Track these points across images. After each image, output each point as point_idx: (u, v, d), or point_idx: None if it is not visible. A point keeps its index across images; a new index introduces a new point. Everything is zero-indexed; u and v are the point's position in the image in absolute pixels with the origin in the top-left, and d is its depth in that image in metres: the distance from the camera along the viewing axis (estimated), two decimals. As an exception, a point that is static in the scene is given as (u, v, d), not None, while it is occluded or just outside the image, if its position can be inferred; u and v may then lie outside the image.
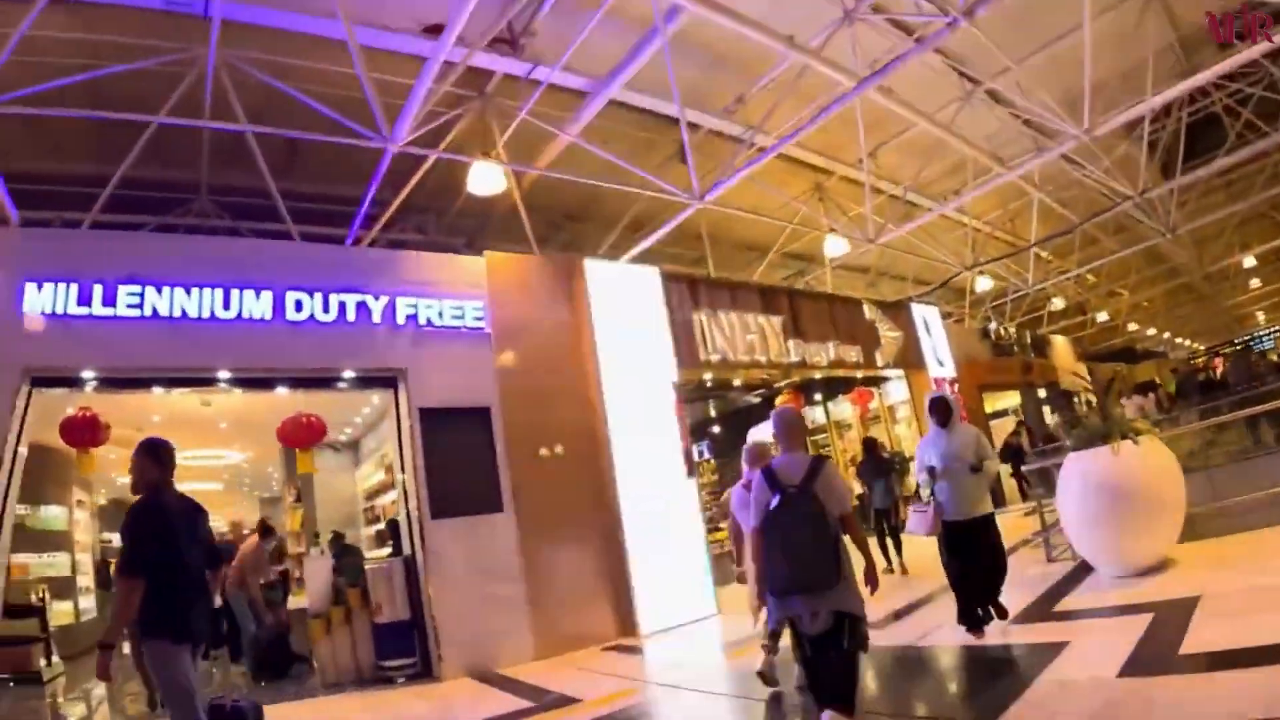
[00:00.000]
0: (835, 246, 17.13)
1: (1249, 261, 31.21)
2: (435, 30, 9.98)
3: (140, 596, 5.47)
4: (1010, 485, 20.55)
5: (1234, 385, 26.22)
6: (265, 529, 13.73)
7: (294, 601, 13.67)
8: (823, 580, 5.39)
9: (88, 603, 16.56)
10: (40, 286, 10.17)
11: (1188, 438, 14.62)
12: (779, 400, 19.42)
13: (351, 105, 10.70)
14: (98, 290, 10.39)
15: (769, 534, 5.61)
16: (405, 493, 11.96)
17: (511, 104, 12.44)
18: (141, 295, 10.57)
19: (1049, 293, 28.76)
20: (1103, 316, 34.33)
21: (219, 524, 18.20)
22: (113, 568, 10.44)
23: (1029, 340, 29.21)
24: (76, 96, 10.14)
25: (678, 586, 12.77)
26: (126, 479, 18.10)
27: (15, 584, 12.69)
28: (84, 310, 10.29)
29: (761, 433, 7.93)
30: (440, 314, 12.25)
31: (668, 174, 13.63)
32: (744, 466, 8.24)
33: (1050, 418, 27.64)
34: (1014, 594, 8.45)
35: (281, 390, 12.09)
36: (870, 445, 15.35)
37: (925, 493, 8.49)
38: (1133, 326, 39.31)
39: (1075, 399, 29.28)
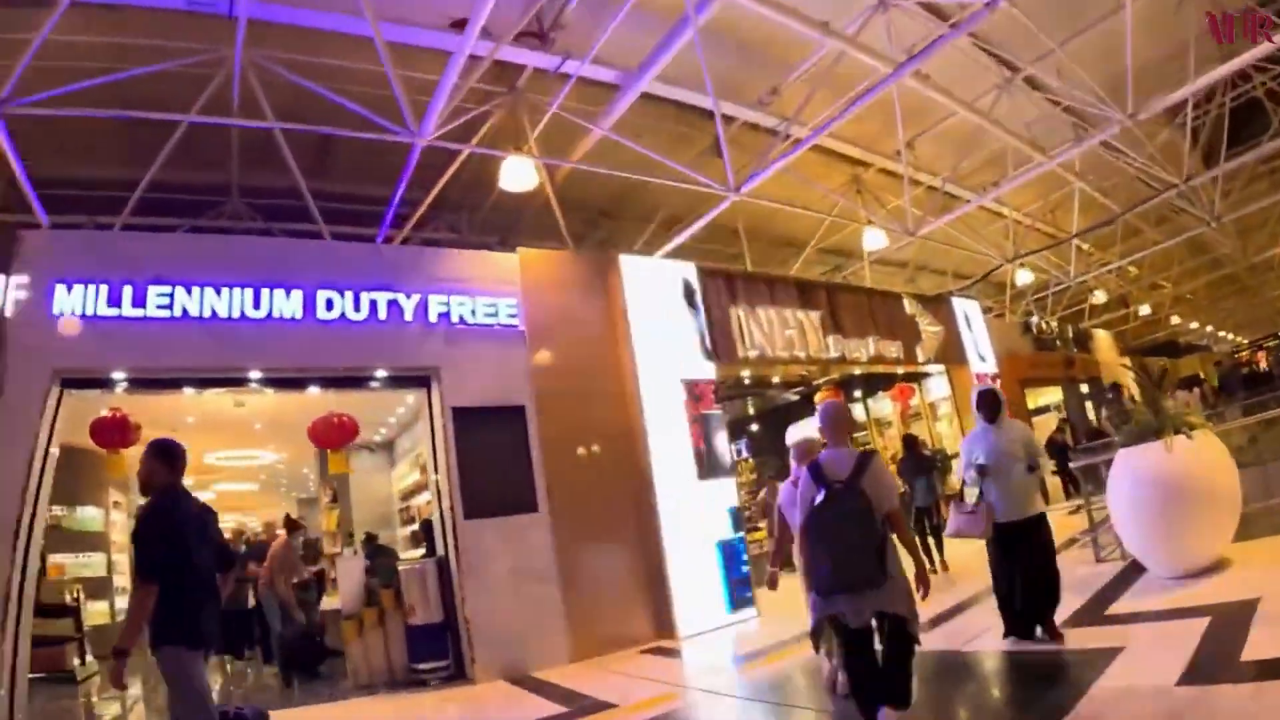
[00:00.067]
0: (874, 239, 16.85)
1: (1293, 252, 30.28)
2: (462, 25, 9.79)
3: (154, 601, 5.35)
4: (1054, 483, 20.01)
5: (1279, 378, 25.67)
6: (291, 524, 13.68)
7: (328, 602, 13.53)
8: (868, 578, 5.25)
9: (123, 602, 16.44)
10: (70, 288, 10.17)
11: (1235, 432, 14.20)
12: (818, 397, 19.00)
13: (380, 103, 10.58)
14: (127, 291, 10.37)
15: (813, 530, 5.50)
16: (439, 493, 11.76)
17: (542, 99, 12.25)
18: (171, 296, 10.53)
19: (1090, 285, 28.18)
20: (1145, 310, 33.53)
21: (255, 524, 18.13)
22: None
23: (1071, 334, 28.67)
24: (104, 101, 10.05)
25: (714, 588, 12.42)
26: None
27: (51, 584, 12.87)
28: (114, 311, 10.27)
29: (800, 430, 7.61)
30: (473, 312, 12.04)
31: (702, 168, 13.31)
32: (792, 463, 7.92)
33: (1094, 413, 27.12)
34: (1063, 596, 8.00)
35: (313, 390, 11.90)
36: (911, 442, 15.04)
37: (973, 492, 8.07)
38: (1175, 320, 38.63)
39: (1122, 393, 28.62)
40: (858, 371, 18.55)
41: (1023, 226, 21.76)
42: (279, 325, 10.96)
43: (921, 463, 14.31)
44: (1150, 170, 17.84)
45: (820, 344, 16.11)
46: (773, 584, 7.61)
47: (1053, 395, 26.82)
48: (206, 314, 10.64)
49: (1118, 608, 8.50)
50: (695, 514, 12.57)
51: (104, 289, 10.28)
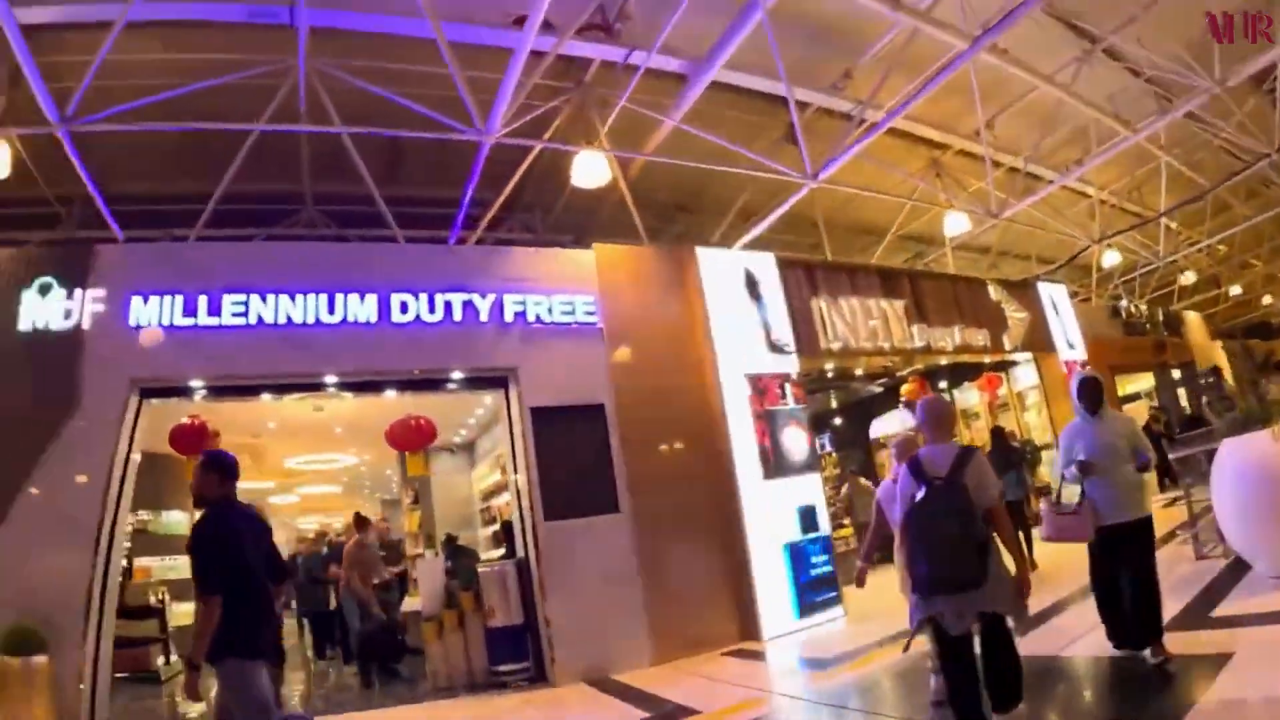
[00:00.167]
0: (955, 224, 16.29)
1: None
2: (524, 21, 9.62)
3: (220, 613, 5.33)
4: (1149, 475, 18.82)
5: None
6: (360, 521, 13.58)
7: (409, 604, 13.42)
8: (970, 578, 5.05)
9: None
10: (145, 300, 10.36)
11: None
12: (904, 389, 18.51)
13: (447, 104, 10.46)
14: (202, 301, 10.54)
15: (913, 528, 5.36)
16: (518, 494, 11.59)
17: (611, 93, 12.00)
18: (246, 304, 10.68)
19: (1180, 266, 26.93)
20: (1236, 290, 32.25)
21: (339, 526, 18.21)
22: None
23: (1161, 317, 27.65)
24: (172, 117, 10.19)
25: (782, 592, 11.88)
26: (247, 484, 18.39)
27: (137, 586, 13.19)
28: (189, 321, 10.46)
29: (884, 425, 7.30)
30: (549, 310, 11.80)
31: (776, 157, 12.95)
32: (892, 460, 7.57)
33: (1187, 400, 26.13)
34: (1164, 598, 7.19)
35: (391, 393, 11.86)
36: (999, 434, 14.56)
37: (1072, 491, 7.31)
38: (1267, 300, 37.20)
39: (1222, 378, 27.46)
40: (943, 361, 17.94)
41: (1108, 206, 20.88)
42: (354, 330, 10.93)
43: (1010, 455, 13.62)
44: (1239, 141, 17.02)
45: (905, 334, 15.50)
46: (860, 581, 7.39)
47: (1143, 382, 25.94)
48: (281, 320, 10.74)
49: (1224, 610, 7.98)
50: (761, 515, 12.00)
51: (179, 299, 10.47)
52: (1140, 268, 25.41)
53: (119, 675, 10.76)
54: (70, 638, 9.21)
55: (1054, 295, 20.14)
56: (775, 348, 13.11)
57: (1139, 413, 22.51)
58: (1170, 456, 13.52)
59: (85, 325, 10.19)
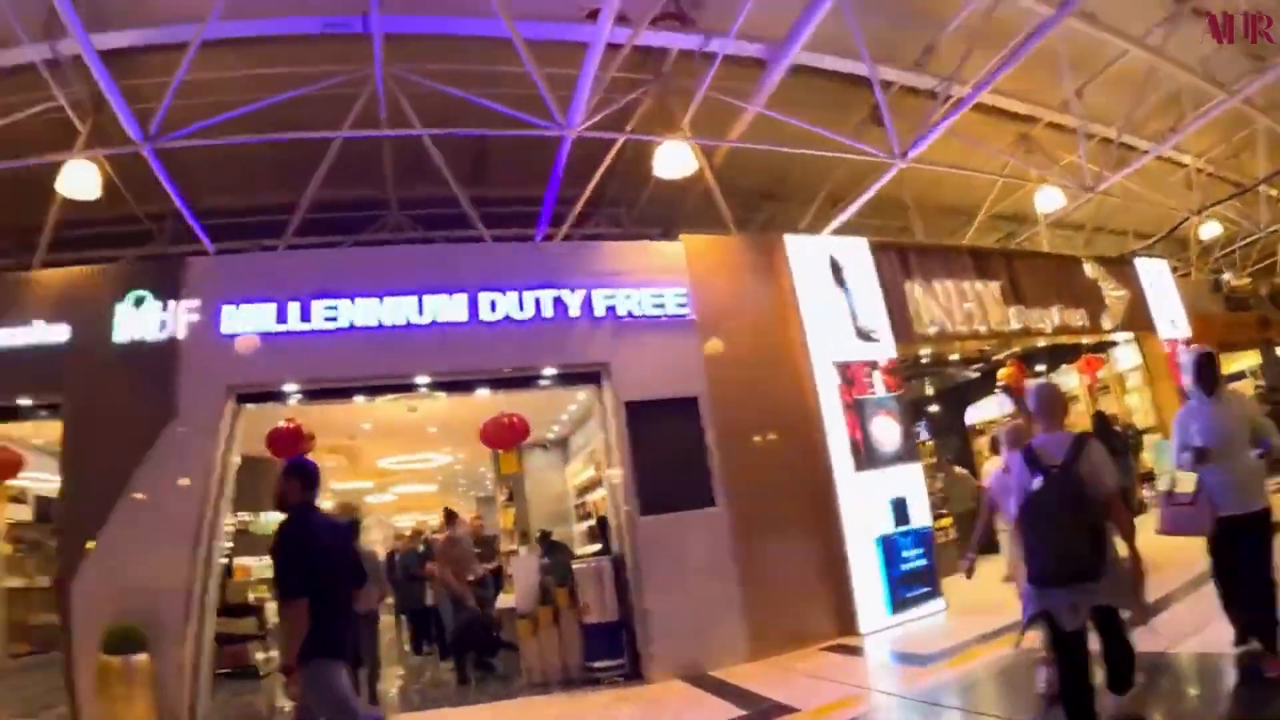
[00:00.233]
0: (1049, 200, 15.76)
1: None
2: (598, 15, 9.56)
3: (306, 614, 5.46)
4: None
5: None
6: (449, 515, 13.60)
7: (504, 600, 13.40)
8: (1087, 570, 4.86)
9: None
10: (238, 308, 10.69)
11: None
12: (1001, 374, 17.92)
13: (526, 102, 10.50)
14: (293, 308, 10.80)
15: (1029, 519, 5.16)
16: (613, 489, 11.50)
17: (690, 82, 11.83)
18: (337, 309, 10.90)
19: (1281, 235, 25.96)
20: (1340, 260, 30.82)
21: (434, 523, 18.35)
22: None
23: (1265, 291, 26.52)
24: (254, 131, 10.54)
25: (875, 587, 11.49)
26: (343, 484, 18.71)
27: (237, 585, 13.44)
28: (281, 327, 10.73)
29: (981, 411, 7.10)
30: (640, 304, 11.60)
31: (862, 139, 12.67)
32: (1002, 449, 7.47)
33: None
34: None
35: (483, 392, 11.86)
36: (1101, 419, 14.08)
37: (1187, 480, 6.70)
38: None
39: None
40: (1041, 344, 17.38)
41: (1205, 174, 19.85)
42: (444, 330, 10.98)
43: (1114, 441, 12.92)
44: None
45: (1002, 316, 14.86)
46: (969, 572, 7.13)
47: (1248, 360, 24.94)
48: (372, 323, 10.90)
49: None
50: (852, 508, 11.61)
51: (271, 307, 10.77)
52: (1241, 239, 24.37)
53: (220, 671, 11.16)
54: (172, 635, 9.62)
55: (1153, 271, 19.33)
56: (862, 335, 12.68)
57: (1245, 393, 21.63)
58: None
59: (180, 335, 10.59)
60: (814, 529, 11.48)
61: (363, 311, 10.90)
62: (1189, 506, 6.56)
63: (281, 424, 11.86)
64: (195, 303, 10.70)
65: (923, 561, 11.83)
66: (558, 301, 11.34)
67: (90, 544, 9.99)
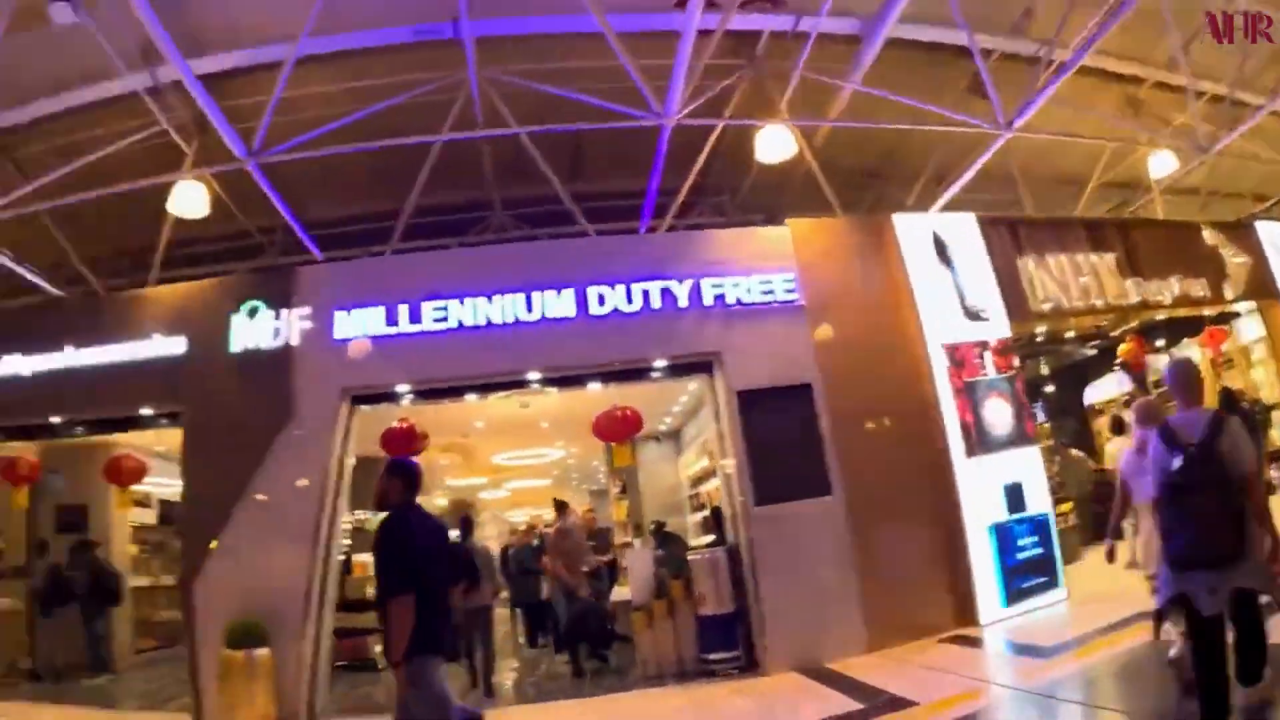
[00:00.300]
0: (1162, 164, 14.78)
1: None
2: (687, 3, 9.50)
3: (412, 610, 5.57)
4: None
5: None
6: (560, 505, 13.62)
7: (619, 593, 13.41)
8: (1228, 552, 4.73)
9: None
10: (349, 313, 11.09)
11: None
12: (1121, 350, 17.28)
13: (621, 96, 10.46)
14: (403, 310, 11.13)
15: (1168, 499, 5.05)
16: (727, 479, 11.39)
17: (785, 64, 11.59)
18: (446, 309, 11.16)
19: None
20: None
21: (548, 517, 18.51)
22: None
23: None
24: (353, 142, 10.75)
25: (988, 578, 11.03)
26: (458, 481, 19.00)
27: (355, 581, 13.79)
28: (392, 330, 11.07)
29: (1101, 391, 6.87)
30: (749, 291, 11.43)
31: (964, 112, 12.09)
32: (1134, 427, 7.28)
33: None
34: None
35: (594, 386, 11.89)
36: (1228, 396, 13.47)
37: None
38: None
39: None
40: (1160, 317, 16.69)
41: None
42: (553, 325, 11.12)
43: (1243, 418, 12.58)
44: None
45: (1119, 289, 14.02)
46: (1110, 556, 7.13)
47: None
48: (481, 322, 11.14)
49: None
50: (965, 495, 11.18)
51: (381, 311, 11.10)
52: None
53: (338, 664, 11.78)
54: (292, 630, 10.11)
55: (1275, 235, 18.40)
56: (971, 315, 12.20)
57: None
58: None
59: (294, 342, 11.08)
60: (931, 517, 11.14)
61: (471, 311, 11.12)
62: None
63: (395, 424, 12.05)
64: (307, 310, 11.14)
65: (1039, 550, 11.32)
66: (666, 292, 11.28)
67: (213, 544, 10.55)
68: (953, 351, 11.73)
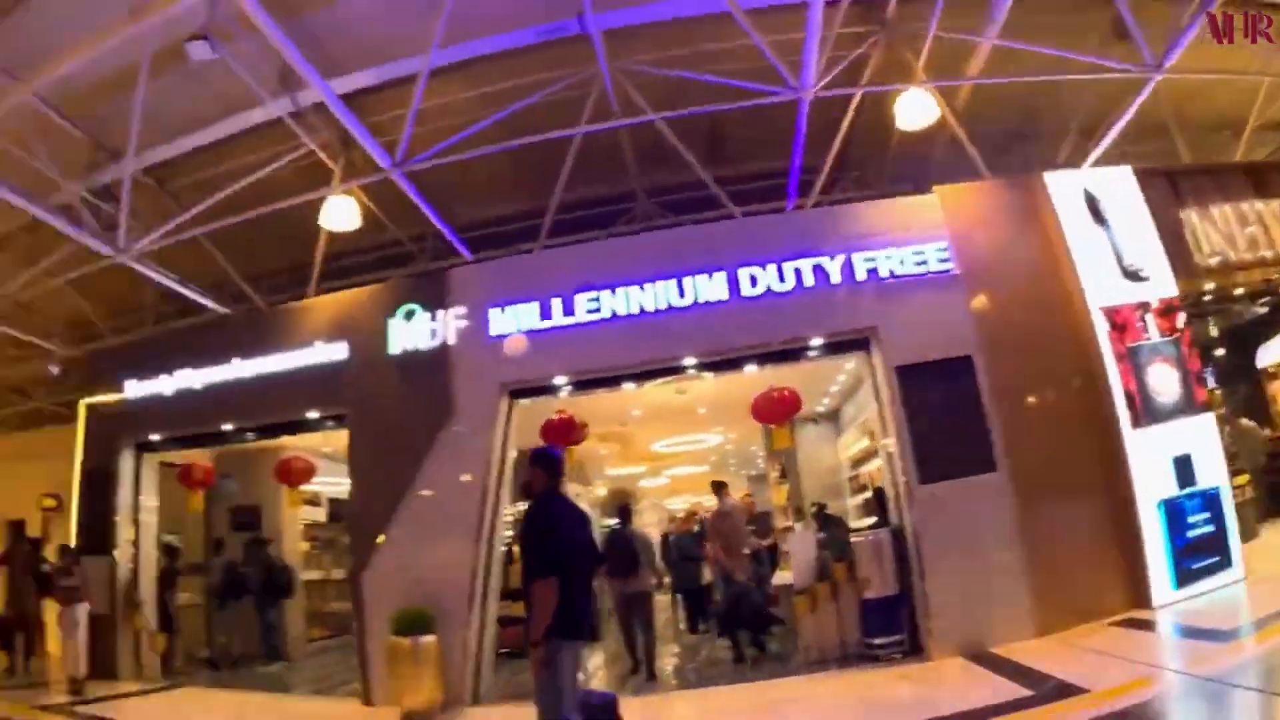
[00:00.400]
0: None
1: None
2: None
3: (556, 592, 5.84)
4: None
5: None
6: (718, 486, 13.55)
7: (781, 577, 13.52)
8: None
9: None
10: (503, 310, 11.58)
11: None
12: (1301, 304, 16.28)
13: (754, 75, 10.53)
14: (556, 304, 11.55)
15: None
16: (889, 458, 11.32)
17: (918, 26, 11.40)
18: (598, 300, 11.48)
19: None
20: None
21: (708, 504, 18.64)
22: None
23: None
24: (494, 143, 11.09)
25: (1157, 557, 10.39)
26: (617, 470, 19.33)
27: (519, 570, 14.13)
28: (546, 324, 11.51)
29: (1274, 352, 6.54)
30: (902, 263, 11.28)
31: (1107, 59, 11.71)
32: None
33: None
34: None
35: (750, 368, 11.97)
36: None
37: None
38: None
39: None
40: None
41: None
42: (705, 310, 11.31)
43: None
44: None
45: None
46: None
47: None
48: (634, 311, 11.43)
49: None
50: (1133, 469, 10.61)
51: (534, 306, 11.52)
52: None
53: (501, 650, 12.19)
54: (457, 619, 10.74)
55: None
56: (1130, 274, 11.57)
57: None
58: None
59: (451, 341, 11.70)
60: (1098, 493, 10.73)
61: (624, 300, 11.44)
62: None
63: (554, 416, 12.37)
64: (462, 310, 11.73)
65: (1211, 528, 10.65)
66: (818, 269, 11.29)
67: (380, 539, 11.34)
68: (1113, 315, 11.22)
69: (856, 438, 16.59)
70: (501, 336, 11.55)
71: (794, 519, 16.35)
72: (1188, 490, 10.63)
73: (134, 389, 14.05)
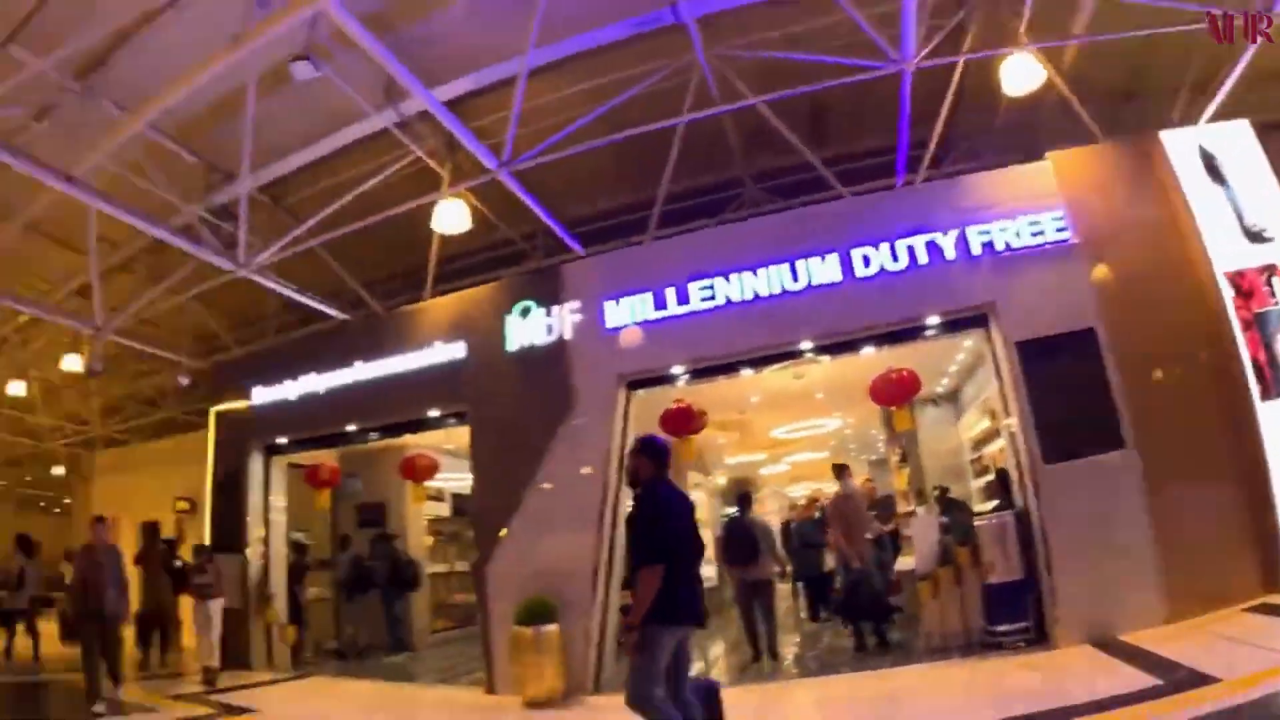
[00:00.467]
0: None
1: None
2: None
3: (660, 579, 6.01)
4: None
5: None
6: (839, 470, 13.52)
7: (902, 563, 13.49)
8: None
9: (707, 573, 18.19)
10: (618, 302, 11.86)
11: None
12: None
13: (854, 50, 10.43)
14: (670, 293, 11.75)
15: None
16: (1011, 438, 11.15)
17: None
18: (712, 287, 11.63)
19: None
20: None
21: (829, 490, 18.58)
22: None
23: None
24: (597, 137, 11.23)
25: None
26: (736, 458, 19.45)
27: None
28: (661, 314, 11.74)
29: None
30: (1017, 234, 11.01)
31: (1217, 4, 11.25)
32: None
33: None
34: None
35: (867, 350, 11.93)
36: None
37: None
38: None
39: None
40: None
41: None
42: (820, 292, 11.36)
43: None
44: None
45: None
46: None
47: None
48: (748, 296, 11.55)
49: None
50: (1268, 444, 10.05)
51: (648, 296, 11.75)
52: None
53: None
54: (579, 608, 11.08)
55: None
56: (1253, 236, 10.94)
57: None
58: None
59: (568, 336, 12.10)
60: (1229, 470, 10.23)
61: (738, 286, 11.57)
62: None
63: (672, 405, 12.49)
64: (577, 304, 12.11)
65: None
66: (931, 245, 11.18)
67: (502, 532, 11.81)
68: (1237, 280, 10.66)
69: (977, 418, 16.34)
70: (617, 329, 11.85)
71: (916, 503, 16.25)
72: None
73: (261, 395, 14.96)
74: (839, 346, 11.76)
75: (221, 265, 12.82)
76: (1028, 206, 11.12)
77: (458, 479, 17.10)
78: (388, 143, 12.13)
